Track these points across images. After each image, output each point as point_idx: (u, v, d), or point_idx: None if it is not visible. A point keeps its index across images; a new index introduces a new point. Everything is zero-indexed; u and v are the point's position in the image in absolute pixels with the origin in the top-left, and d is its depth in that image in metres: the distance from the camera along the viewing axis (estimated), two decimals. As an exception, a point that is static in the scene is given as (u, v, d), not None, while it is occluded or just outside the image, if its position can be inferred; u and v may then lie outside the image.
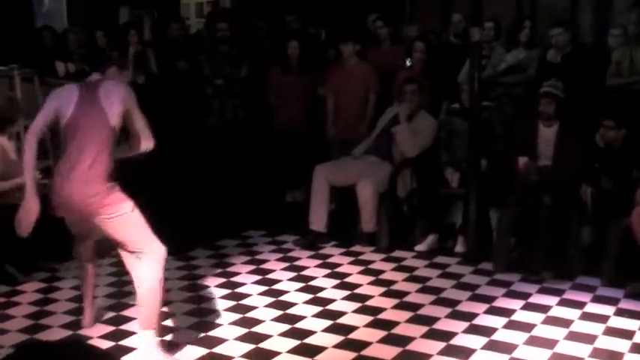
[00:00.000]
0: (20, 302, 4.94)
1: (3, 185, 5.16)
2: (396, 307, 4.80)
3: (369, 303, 4.87)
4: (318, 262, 5.72)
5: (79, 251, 4.39)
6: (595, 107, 5.99)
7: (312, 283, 5.26)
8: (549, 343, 4.24)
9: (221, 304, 4.86)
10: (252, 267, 5.60)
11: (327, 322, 4.55)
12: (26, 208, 3.90)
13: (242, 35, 7.91)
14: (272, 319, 4.61)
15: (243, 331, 4.44)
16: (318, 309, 4.77)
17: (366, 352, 4.15)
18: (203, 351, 4.17)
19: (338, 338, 4.32)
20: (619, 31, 6.74)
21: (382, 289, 5.11)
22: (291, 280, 5.33)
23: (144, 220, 3.96)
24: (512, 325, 4.49)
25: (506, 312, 4.69)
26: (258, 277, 5.37)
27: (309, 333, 4.40)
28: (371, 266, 5.61)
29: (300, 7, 8.61)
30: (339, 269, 5.55)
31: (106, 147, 3.89)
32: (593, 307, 4.76)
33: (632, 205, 4.95)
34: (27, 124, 5.67)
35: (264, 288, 5.16)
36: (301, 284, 5.23)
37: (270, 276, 5.40)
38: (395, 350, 4.15)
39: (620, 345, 4.23)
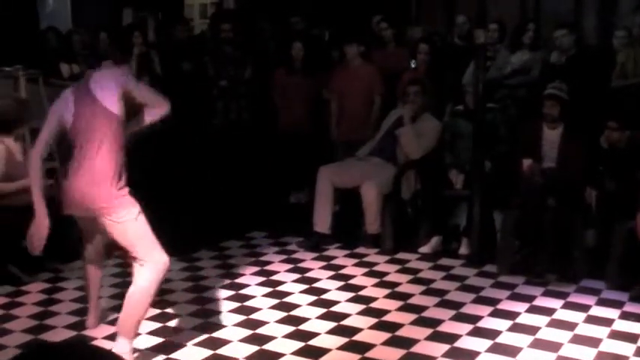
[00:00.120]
0: (24, 303, 4.94)
1: (8, 186, 5.17)
2: (400, 309, 4.80)
3: (373, 305, 4.87)
4: (322, 263, 5.72)
5: (86, 251, 4.37)
6: (599, 109, 5.98)
7: (316, 284, 5.26)
8: (554, 346, 4.23)
9: (225, 306, 4.86)
10: (256, 268, 5.60)
11: (331, 324, 4.55)
12: (37, 225, 3.89)
13: (246, 36, 7.91)
14: (276, 321, 4.61)
15: (247, 332, 4.44)
16: (322, 310, 4.77)
17: (370, 354, 4.14)
18: (207, 352, 4.17)
19: (342, 340, 4.32)
20: (623, 33, 6.75)
21: (386, 291, 5.11)
22: (295, 281, 5.33)
23: (148, 229, 3.90)
24: (516, 328, 4.48)
25: (510, 315, 4.68)
26: (262, 279, 5.37)
27: (313, 335, 4.40)
28: (375, 268, 5.60)
29: (304, 9, 8.62)
30: (343, 271, 5.54)
31: (113, 141, 3.81)
32: (597, 310, 4.75)
33: (636, 207, 4.94)
34: (31, 125, 5.70)
35: (268, 289, 5.16)
36: (305, 286, 5.23)
37: (274, 277, 5.40)
38: (399, 352, 4.15)
39: (625, 348, 4.21)
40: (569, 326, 4.51)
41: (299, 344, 4.26)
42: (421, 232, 6.10)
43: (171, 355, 4.14)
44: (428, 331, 4.42)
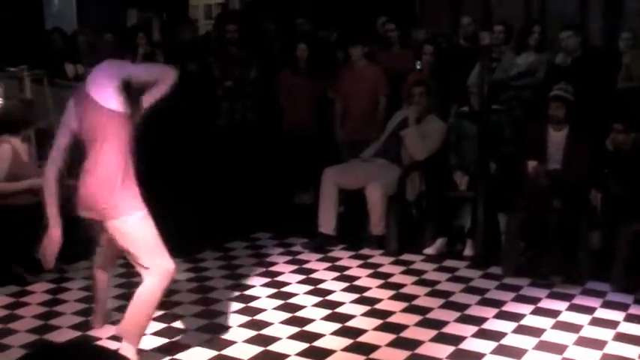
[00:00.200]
0: (29, 303, 4.94)
1: (14, 186, 5.18)
2: (404, 310, 4.79)
3: (378, 306, 4.87)
4: (327, 264, 5.72)
5: (98, 255, 4.31)
6: (605, 111, 5.98)
7: (321, 285, 5.26)
8: (559, 349, 4.22)
9: (230, 306, 4.86)
10: (261, 269, 5.60)
11: (336, 325, 4.55)
12: (50, 238, 3.86)
13: (251, 37, 7.91)
14: (281, 322, 4.61)
15: (252, 333, 4.44)
16: (327, 312, 4.77)
17: (374, 355, 4.14)
18: (212, 353, 4.17)
19: (347, 341, 4.32)
20: (629, 35, 6.74)
21: (391, 293, 5.11)
22: (300, 282, 5.32)
23: (153, 233, 3.81)
24: (521, 330, 4.48)
25: (515, 316, 4.67)
26: (266, 280, 5.37)
27: (318, 336, 4.40)
28: (380, 269, 5.60)
29: (310, 10, 8.62)
30: (347, 272, 5.54)
31: (116, 139, 3.74)
32: (602, 313, 4.74)
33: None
34: (37, 126, 5.72)
35: (273, 290, 5.16)
36: (310, 287, 5.23)
37: (279, 278, 5.40)
38: (404, 354, 4.15)
39: (630, 351, 4.21)
40: (575, 328, 4.50)
41: (304, 345, 4.26)
42: (426, 233, 6.09)
43: (176, 356, 4.14)
44: (433, 333, 4.42)
